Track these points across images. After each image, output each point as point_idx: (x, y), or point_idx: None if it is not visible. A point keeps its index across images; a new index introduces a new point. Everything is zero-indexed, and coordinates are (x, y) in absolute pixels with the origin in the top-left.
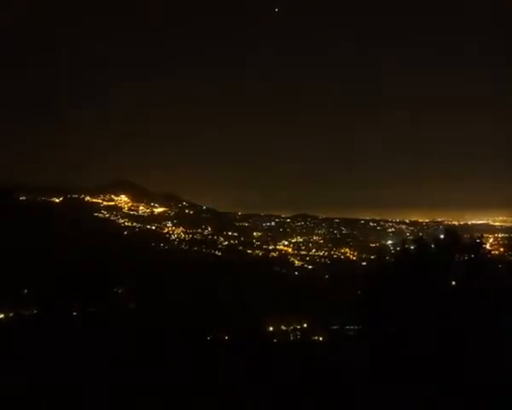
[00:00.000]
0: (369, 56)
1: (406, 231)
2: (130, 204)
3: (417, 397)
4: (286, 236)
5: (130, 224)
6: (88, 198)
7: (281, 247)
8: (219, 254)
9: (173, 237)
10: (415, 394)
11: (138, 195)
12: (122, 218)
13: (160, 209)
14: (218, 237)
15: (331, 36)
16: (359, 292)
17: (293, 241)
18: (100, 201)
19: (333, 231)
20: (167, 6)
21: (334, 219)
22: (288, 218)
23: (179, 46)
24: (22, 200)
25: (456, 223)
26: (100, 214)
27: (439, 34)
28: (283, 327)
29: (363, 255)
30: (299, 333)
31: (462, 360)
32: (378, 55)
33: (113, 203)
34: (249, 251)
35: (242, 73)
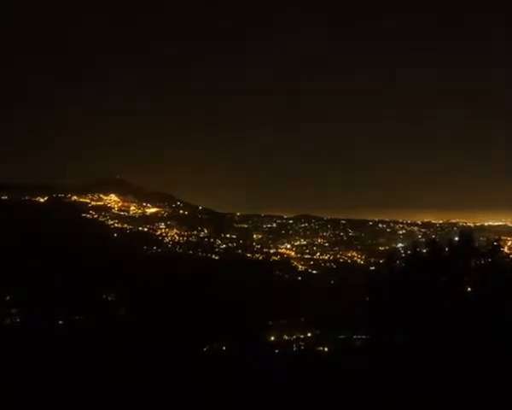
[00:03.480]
0: (369, 56)
1: (418, 233)
2: (120, 204)
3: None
4: (288, 238)
5: (120, 225)
6: (75, 198)
7: (283, 250)
8: (217, 258)
9: (167, 239)
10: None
11: (129, 194)
12: (112, 219)
13: (153, 210)
14: (215, 240)
15: (332, 35)
16: (367, 299)
17: (296, 244)
18: (88, 200)
19: (339, 234)
20: (166, 6)
21: (340, 220)
22: (291, 219)
23: (177, 45)
24: (4, 199)
25: (471, 224)
26: (88, 215)
27: (440, 34)
28: (286, 337)
29: (372, 260)
30: (302, 344)
31: (479, 368)
32: (379, 55)
33: (101, 203)
34: (249, 255)
35: (242, 72)
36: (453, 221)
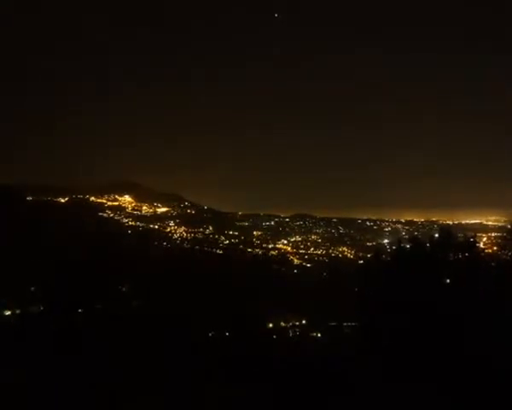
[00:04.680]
0: (368, 57)
1: (402, 230)
2: (133, 204)
3: (411, 395)
4: (285, 235)
5: (133, 223)
6: (93, 198)
7: (280, 245)
8: (220, 252)
9: (175, 236)
10: (409, 391)
11: (142, 195)
12: (126, 217)
13: (163, 209)
14: (219, 237)
15: (332, 33)
16: (356, 290)
17: (292, 240)
18: (104, 201)
19: (330, 231)
20: (166, 5)
21: (331, 218)
22: (287, 217)
23: (180, 47)
24: (29, 200)
25: (450, 222)
26: (104, 214)
27: (438, 35)
28: (282, 324)
29: (360, 254)
30: (298, 330)
31: (457, 355)
32: (378, 55)
33: (117, 203)
34: (249, 249)
35: (242, 72)
36: (433, 219)
